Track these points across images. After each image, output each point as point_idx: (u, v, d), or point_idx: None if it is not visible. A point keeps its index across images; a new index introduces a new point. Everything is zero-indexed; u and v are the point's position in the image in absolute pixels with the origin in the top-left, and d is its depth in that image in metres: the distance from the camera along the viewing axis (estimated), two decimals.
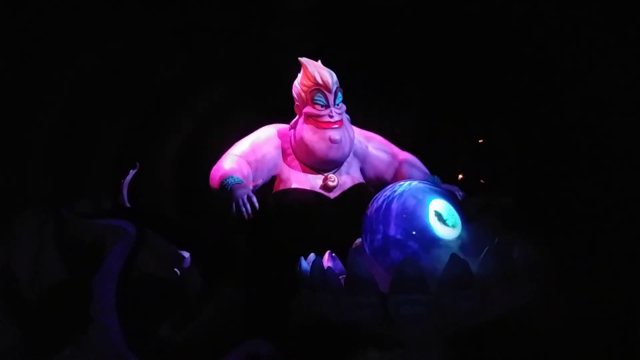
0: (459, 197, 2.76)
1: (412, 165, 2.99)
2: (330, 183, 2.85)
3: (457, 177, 3.66)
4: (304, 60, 2.81)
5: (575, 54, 3.07)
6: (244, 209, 2.59)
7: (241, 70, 3.39)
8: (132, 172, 2.85)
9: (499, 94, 3.41)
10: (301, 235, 2.71)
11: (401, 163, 3.01)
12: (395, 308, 2.08)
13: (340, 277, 2.28)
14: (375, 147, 3.03)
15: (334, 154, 2.81)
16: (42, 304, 2.99)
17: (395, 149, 3.07)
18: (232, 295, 2.77)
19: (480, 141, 3.71)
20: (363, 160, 3.00)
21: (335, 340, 2.46)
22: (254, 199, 2.62)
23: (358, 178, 2.96)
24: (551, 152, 3.22)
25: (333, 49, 3.29)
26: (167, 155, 3.26)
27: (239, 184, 2.67)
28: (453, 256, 2.08)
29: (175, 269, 2.76)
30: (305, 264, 2.34)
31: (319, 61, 2.85)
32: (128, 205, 2.82)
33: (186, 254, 2.80)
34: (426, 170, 3.01)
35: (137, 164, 2.87)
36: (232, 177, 2.70)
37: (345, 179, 2.90)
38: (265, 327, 2.61)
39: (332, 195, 2.85)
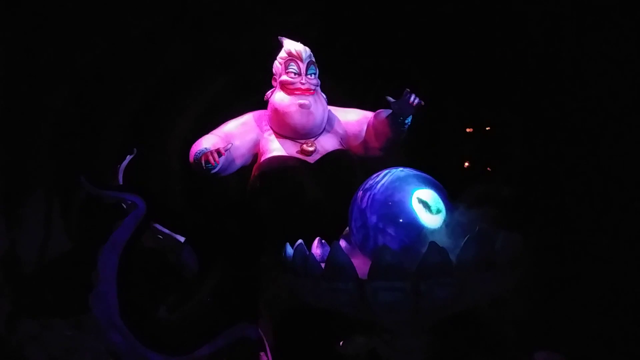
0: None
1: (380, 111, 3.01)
2: (306, 147, 2.92)
3: (463, 164, 3.64)
4: (283, 38, 3.01)
5: (585, 46, 3.02)
6: (210, 157, 2.69)
7: (241, 60, 3.42)
8: (128, 158, 2.90)
9: (505, 82, 3.36)
10: (285, 201, 2.81)
11: (373, 115, 3.05)
12: (373, 294, 2.09)
13: (323, 263, 2.30)
14: (354, 115, 3.12)
15: (304, 119, 2.90)
16: (45, 284, 3.08)
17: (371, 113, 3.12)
18: (222, 279, 2.81)
19: (487, 128, 3.67)
20: (344, 130, 3.07)
21: (322, 325, 2.48)
22: (221, 148, 2.71)
23: (338, 145, 3.02)
24: (556, 143, 3.17)
25: (333, 35, 3.32)
26: (161, 142, 3.30)
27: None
28: (431, 244, 2.08)
29: (170, 253, 2.82)
30: (290, 249, 2.36)
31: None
32: None
33: (181, 239, 2.85)
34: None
35: (134, 149, 2.92)
36: (205, 148, 2.82)
37: (324, 145, 2.97)
38: (252, 312, 2.65)
39: (312, 159, 2.92)
